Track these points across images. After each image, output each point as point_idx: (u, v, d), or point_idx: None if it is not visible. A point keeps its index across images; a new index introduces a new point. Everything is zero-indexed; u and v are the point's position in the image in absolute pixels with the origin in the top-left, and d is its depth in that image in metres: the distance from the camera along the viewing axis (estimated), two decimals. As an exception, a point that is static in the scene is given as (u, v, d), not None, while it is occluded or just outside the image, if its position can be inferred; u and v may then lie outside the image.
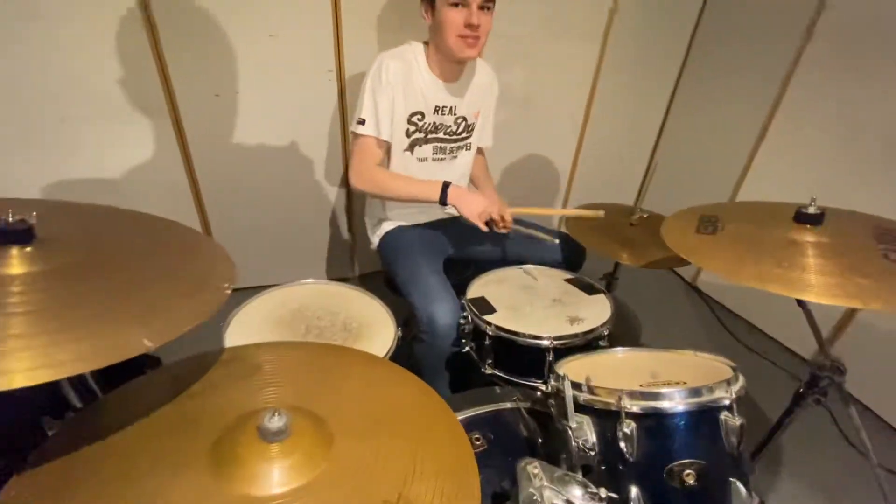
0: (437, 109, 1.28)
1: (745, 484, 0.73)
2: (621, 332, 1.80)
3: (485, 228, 1.22)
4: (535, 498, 0.64)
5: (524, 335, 1.08)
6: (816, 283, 0.77)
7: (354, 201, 1.95)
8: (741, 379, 0.77)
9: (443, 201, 1.20)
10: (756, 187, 1.93)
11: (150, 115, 1.57)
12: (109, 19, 1.41)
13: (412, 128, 1.27)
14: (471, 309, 1.16)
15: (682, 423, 0.73)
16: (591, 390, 0.77)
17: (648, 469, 0.73)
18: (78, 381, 0.73)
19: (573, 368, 0.89)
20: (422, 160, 1.33)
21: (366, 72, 1.21)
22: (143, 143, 1.60)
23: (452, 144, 1.36)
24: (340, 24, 1.61)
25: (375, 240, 1.42)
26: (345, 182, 1.91)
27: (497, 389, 1.05)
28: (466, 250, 1.43)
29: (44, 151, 1.50)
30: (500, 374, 1.14)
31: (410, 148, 1.30)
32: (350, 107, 1.75)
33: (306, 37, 1.61)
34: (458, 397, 1.03)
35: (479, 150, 1.50)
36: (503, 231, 1.26)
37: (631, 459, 0.73)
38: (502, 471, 0.80)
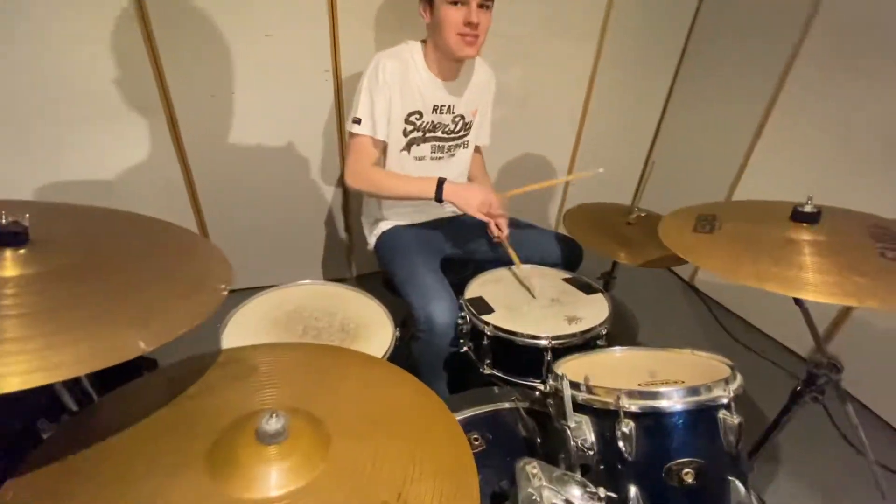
0: (435, 108, 1.28)
1: (744, 482, 0.73)
2: (619, 331, 1.80)
3: (485, 219, 1.22)
4: (533, 498, 0.64)
5: (522, 335, 1.08)
6: (813, 282, 0.78)
7: (351, 201, 1.95)
8: (739, 378, 0.77)
9: (438, 198, 1.19)
10: (753, 186, 1.93)
11: (145, 116, 1.56)
12: (104, 18, 1.40)
13: (410, 127, 1.27)
14: (469, 309, 1.16)
15: (681, 422, 0.73)
16: (589, 390, 0.77)
17: (647, 468, 0.73)
18: (74, 384, 0.73)
19: (571, 368, 0.89)
20: (419, 159, 1.32)
21: (363, 71, 1.21)
22: (139, 144, 1.60)
23: (450, 143, 1.36)
24: (337, 23, 1.61)
25: (372, 240, 1.42)
26: (341, 182, 1.91)
27: (495, 389, 1.05)
28: (464, 250, 1.43)
29: (37, 152, 1.49)
30: (499, 374, 1.14)
31: (408, 147, 1.30)
32: (347, 107, 1.74)
33: (303, 36, 1.61)
34: (456, 397, 1.02)
35: (476, 149, 1.50)
36: (497, 239, 1.27)
37: (630, 459, 0.73)
38: (501, 471, 0.79)
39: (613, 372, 0.92)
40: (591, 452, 0.75)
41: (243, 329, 1.05)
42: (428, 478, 0.56)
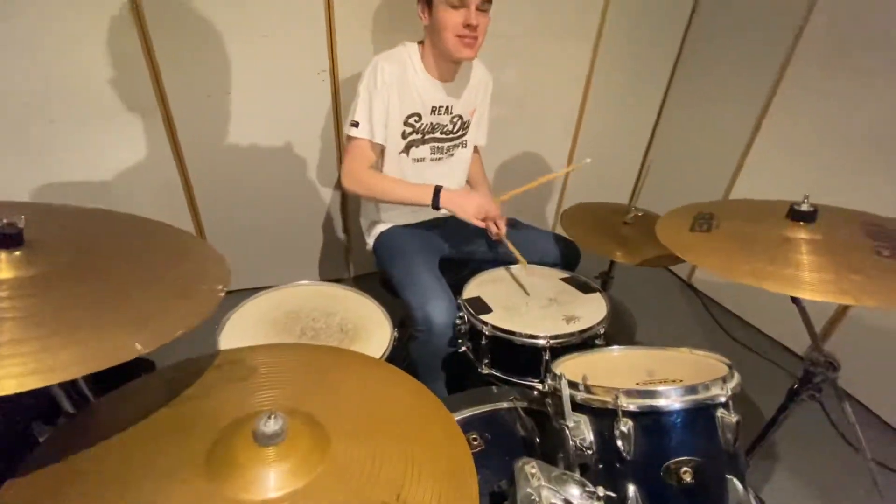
0: (434, 110, 1.28)
1: (742, 481, 0.74)
2: (617, 330, 1.80)
3: (483, 225, 1.22)
4: (532, 497, 0.64)
5: (521, 335, 1.08)
6: (810, 280, 0.78)
7: (349, 202, 1.95)
8: (736, 376, 0.77)
9: (435, 205, 1.19)
10: (749, 185, 1.94)
11: (141, 116, 1.55)
12: (100, 19, 1.39)
13: (409, 129, 1.27)
14: (467, 309, 1.16)
15: (679, 420, 0.73)
16: (587, 389, 0.77)
17: (646, 467, 0.73)
18: (70, 387, 0.72)
19: (570, 367, 0.89)
20: (418, 161, 1.32)
21: (361, 74, 1.21)
22: (135, 145, 1.59)
23: (449, 143, 1.36)
24: (334, 24, 1.61)
25: (371, 240, 1.42)
26: (339, 183, 1.90)
27: (494, 389, 1.05)
28: (462, 250, 1.43)
29: (32, 153, 1.48)
30: (497, 374, 1.14)
31: (406, 149, 1.29)
32: (344, 107, 1.74)
33: (299, 37, 1.60)
34: (455, 397, 1.03)
35: (475, 150, 1.50)
36: (496, 239, 1.27)
37: (628, 458, 0.73)
38: (500, 471, 0.79)
39: (611, 371, 0.92)
40: (590, 451, 0.75)
41: (241, 330, 1.04)
42: (427, 478, 0.56)
